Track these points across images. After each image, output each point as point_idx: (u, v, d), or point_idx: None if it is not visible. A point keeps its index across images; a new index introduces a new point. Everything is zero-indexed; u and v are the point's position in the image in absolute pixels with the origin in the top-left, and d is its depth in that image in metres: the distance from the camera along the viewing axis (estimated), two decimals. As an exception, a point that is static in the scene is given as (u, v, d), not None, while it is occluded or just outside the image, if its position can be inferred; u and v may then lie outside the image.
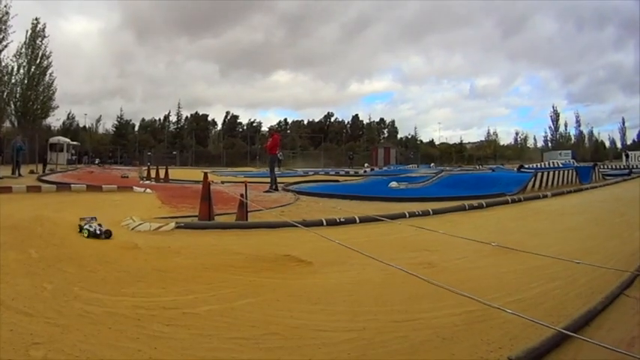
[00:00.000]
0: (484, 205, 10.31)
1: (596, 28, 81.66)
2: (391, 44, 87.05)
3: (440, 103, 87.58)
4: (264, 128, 63.67)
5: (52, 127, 49.62)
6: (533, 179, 14.98)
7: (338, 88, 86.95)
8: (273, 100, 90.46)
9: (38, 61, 44.36)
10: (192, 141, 60.99)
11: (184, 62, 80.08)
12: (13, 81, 42.61)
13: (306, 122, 69.68)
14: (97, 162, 46.18)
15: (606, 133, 74.27)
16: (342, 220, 7.63)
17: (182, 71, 77.01)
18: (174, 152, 55.54)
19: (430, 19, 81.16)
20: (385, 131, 70.72)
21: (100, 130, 61.53)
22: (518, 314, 2.82)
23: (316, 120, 69.73)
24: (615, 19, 70.53)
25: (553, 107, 68.25)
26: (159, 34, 79.52)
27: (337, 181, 22.18)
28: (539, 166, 30.73)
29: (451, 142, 69.04)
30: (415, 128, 71.41)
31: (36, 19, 44.75)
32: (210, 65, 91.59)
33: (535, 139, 70.08)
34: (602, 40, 77.16)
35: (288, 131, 65.50)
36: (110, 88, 76.49)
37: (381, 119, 70.73)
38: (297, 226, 6.38)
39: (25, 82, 43.54)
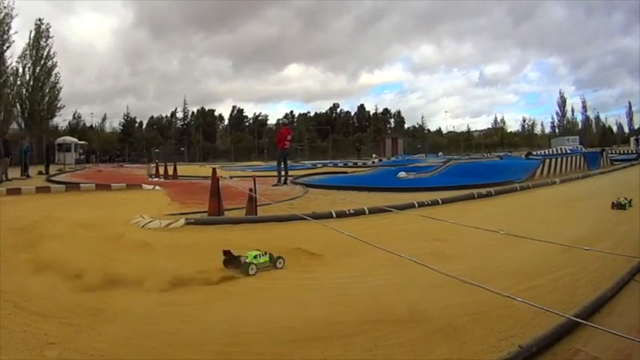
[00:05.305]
0: (493, 193, 10.29)
1: (604, 14, 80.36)
2: (403, 35, 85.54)
3: (449, 92, 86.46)
4: (271, 122, 63.59)
5: (60, 127, 49.82)
6: (541, 166, 14.93)
7: (348, 79, 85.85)
8: (284, 94, 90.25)
9: (43, 62, 44.36)
10: (199, 137, 61.01)
11: (198, 58, 79.18)
12: (18, 82, 42.66)
13: (312, 114, 69.33)
14: (118, 160, 46.86)
15: (613, 118, 73.13)
16: (351, 211, 7.63)
17: (195, 67, 76.46)
18: (182, 148, 55.54)
19: (442, 8, 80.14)
20: (391, 121, 70.26)
21: (107, 129, 61.67)
22: (528, 302, 2.82)
23: (323, 112, 69.37)
24: (624, 4, 69.39)
25: (560, 93, 67.52)
26: (173, 31, 78.86)
27: (345, 172, 22.18)
28: (547, 152, 30.49)
29: (459, 131, 68.51)
30: (422, 117, 70.52)
31: (39, 19, 44.64)
32: (223, 60, 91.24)
33: (542, 125, 69.39)
34: (611, 25, 75.75)
35: (295, 124, 65.26)
36: (122, 86, 75.63)
37: (385, 109, 70.21)
38: (306, 219, 6.39)
39: (31, 83, 43.56)
